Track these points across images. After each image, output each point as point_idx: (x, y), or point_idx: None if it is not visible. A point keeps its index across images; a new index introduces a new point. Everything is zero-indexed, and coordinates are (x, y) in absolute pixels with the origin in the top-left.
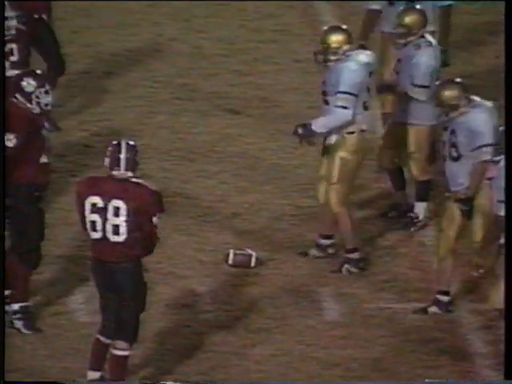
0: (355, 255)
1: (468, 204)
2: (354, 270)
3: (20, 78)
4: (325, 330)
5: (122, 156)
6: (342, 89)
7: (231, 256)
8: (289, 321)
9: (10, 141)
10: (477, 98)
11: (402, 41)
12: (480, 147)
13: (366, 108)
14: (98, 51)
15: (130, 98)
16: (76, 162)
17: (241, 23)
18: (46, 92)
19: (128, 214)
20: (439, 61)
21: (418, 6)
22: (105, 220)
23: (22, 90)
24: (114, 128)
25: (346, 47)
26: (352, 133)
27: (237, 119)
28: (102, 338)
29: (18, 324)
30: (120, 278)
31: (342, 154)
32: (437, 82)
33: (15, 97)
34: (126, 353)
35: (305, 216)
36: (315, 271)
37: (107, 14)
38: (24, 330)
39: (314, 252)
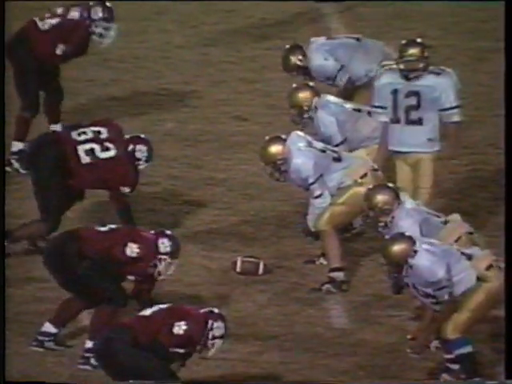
0: (339, 275)
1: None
2: (334, 290)
3: (137, 141)
4: (333, 338)
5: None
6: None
7: (239, 263)
8: (296, 328)
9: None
10: None
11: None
12: None
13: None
14: (105, 58)
15: (138, 105)
16: None
17: (248, 30)
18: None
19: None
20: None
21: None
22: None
23: (132, 151)
24: None
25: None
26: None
27: (244, 126)
28: None
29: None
30: None
31: (358, 187)
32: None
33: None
34: None
35: None
36: (322, 279)
37: (114, 21)
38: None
39: (321, 260)
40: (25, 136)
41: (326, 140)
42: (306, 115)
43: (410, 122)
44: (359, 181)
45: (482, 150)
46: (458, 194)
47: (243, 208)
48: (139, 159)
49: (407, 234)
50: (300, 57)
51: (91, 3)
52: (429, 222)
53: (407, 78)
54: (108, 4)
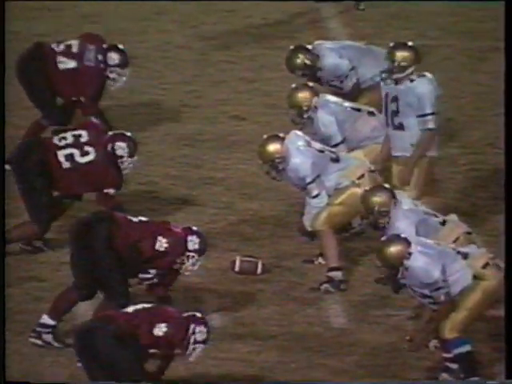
0: (337, 275)
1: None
2: (332, 290)
3: (115, 139)
4: (332, 337)
5: None
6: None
7: (237, 263)
8: (295, 328)
9: None
10: None
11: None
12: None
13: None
14: None
15: (137, 104)
16: None
17: (247, 30)
18: (131, 163)
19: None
20: None
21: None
22: None
23: (112, 149)
24: None
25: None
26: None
27: (243, 126)
28: None
29: None
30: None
31: (355, 188)
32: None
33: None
34: None
35: None
36: (321, 278)
37: (114, 21)
38: None
39: (319, 260)
40: None
41: (326, 140)
42: (305, 115)
43: (394, 127)
44: (356, 182)
45: (481, 149)
46: (457, 194)
47: (242, 207)
48: (121, 156)
49: (403, 235)
50: (309, 56)
51: (105, 46)
52: (426, 222)
53: (395, 82)
54: (121, 47)
